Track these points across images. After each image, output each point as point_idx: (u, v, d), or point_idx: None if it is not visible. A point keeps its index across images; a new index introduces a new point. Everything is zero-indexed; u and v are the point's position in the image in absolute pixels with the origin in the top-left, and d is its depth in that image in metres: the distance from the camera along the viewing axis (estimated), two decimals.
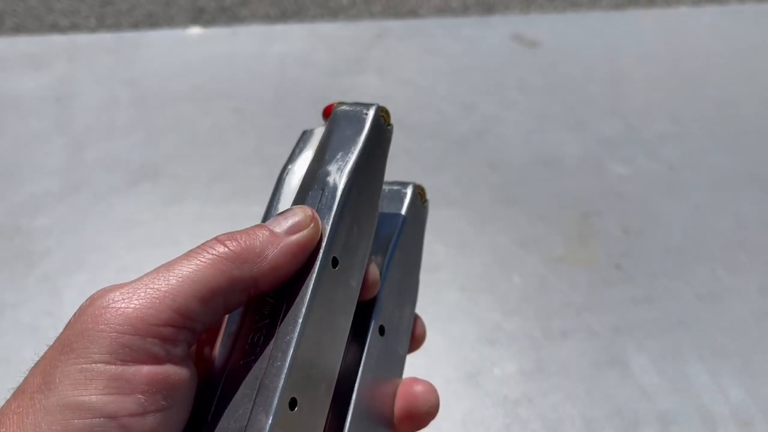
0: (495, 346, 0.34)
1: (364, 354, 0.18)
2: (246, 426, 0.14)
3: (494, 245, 0.40)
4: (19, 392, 0.14)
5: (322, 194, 0.17)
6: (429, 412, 0.20)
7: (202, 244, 0.16)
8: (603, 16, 0.68)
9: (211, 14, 1.29)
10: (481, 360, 0.33)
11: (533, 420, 0.31)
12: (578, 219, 0.42)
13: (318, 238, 0.16)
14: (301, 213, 0.16)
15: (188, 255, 0.16)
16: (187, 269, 0.15)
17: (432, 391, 0.20)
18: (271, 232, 0.16)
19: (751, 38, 0.63)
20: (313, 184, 0.17)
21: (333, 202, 0.16)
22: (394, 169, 0.45)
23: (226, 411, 0.15)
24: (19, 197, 0.43)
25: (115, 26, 1.16)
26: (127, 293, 0.14)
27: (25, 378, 0.15)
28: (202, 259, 0.15)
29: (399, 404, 0.20)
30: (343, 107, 0.20)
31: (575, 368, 0.33)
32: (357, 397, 0.17)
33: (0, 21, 1.13)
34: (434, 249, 0.40)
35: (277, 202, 0.18)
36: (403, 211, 0.21)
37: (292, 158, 0.20)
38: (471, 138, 0.49)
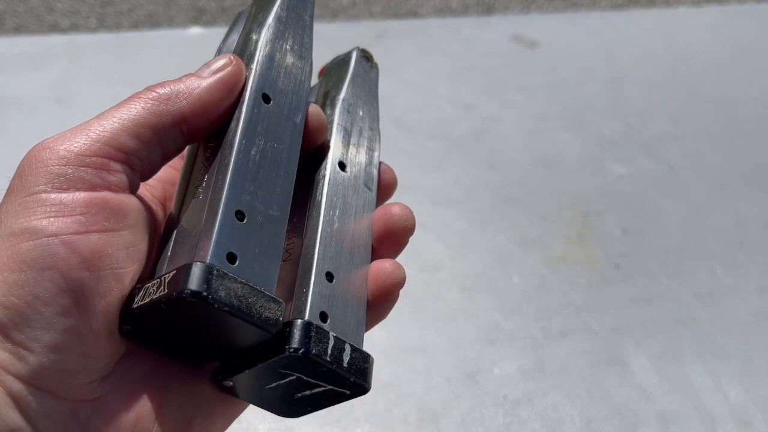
0: (495, 345, 0.34)
1: (325, 183, 0.19)
2: (197, 244, 0.15)
3: (494, 245, 0.40)
4: None
5: (246, 49, 0.18)
6: (406, 227, 0.21)
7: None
8: (602, 16, 0.68)
9: (211, 14, 1.29)
10: (480, 359, 0.33)
11: (533, 419, 0.31)
12: (578, 219, 0.42)
13: (241, 76, 0.17)
14: (224, 58, 0.17)
15: (121, 102, 0.17)
16: (117, 111, 0.16)
17: (407, 208, 0.21)
18: (197, 75, 0.17)
19: (750, 38, 0.63)
20: (243, 49, 0.18)
21: (256, 49, 0.18)
22: (395, 169, 0.45)
23: (181, 238, 0.16)
24: None
25: (116, 26, 1.16)
26: (61, 136, 0.16)
27: None
28: (132, 102, 0.17)
29: (376, 227, 0.20)
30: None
31: (575, 368, 0.33)
32: (323, 224, 0.18)
33: (1, 21, 1.14)
34: (434, 249, 0.40)
35: None
36: (350, 71, 0.22)
37: (225, 38, 0.21)
38: (471, 138, 0.50)
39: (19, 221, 0.14)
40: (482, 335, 0.35)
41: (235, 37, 0.20)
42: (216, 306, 0.14)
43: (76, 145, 0.15)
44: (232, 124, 0.17)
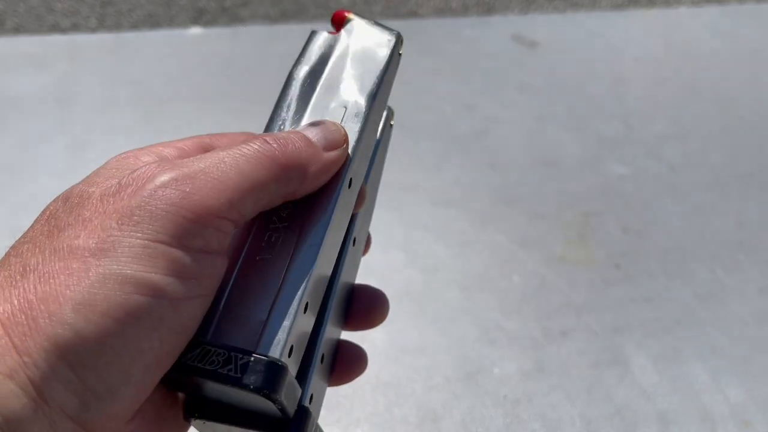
0: (495, 345, 0.34)
1: (343, 262, 0.19)
2: (267, 321, 0.14)
3: (494, 245, 0.40)
4: (63, 250, 0.14)
5: (345, 112, 0.18)
6: (383, 316, 0.21)
7: (240, 136, 0.17)
8: (603, 16, 0.68)
9: (211, 15, 1.29)
10: (480, 359, 0.33)
11: (533, 419, 0.31)
12: (578, 219, 0.42)
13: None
14: (337, 131, 0.17)
15: (231, 145, 0.16)
16: (248, 165, 0.15)
17: (383, 296, 0.21)
18: (311, 144, 0.16)
19: (750, 38, 0.63)
20: (334, 99, 0.18)
21: (357, 126, 0.17)
22: (395, 169, 0.45)
23: (242, 301, 0.15)
24: (20, 197, 0.43)
25: (116, 27, 1.16)
26: (186, 178, 0.14)
27: (63, 230, 0.14)
28: (248, 152, 0.15)
29: (355, 306, 0.21)
30: (363, 23, 0.20)
31: (575, 368, 0.33)
32: (335, 299, 0.18)
33: (1, 21, 1.14)
34: (434, 249, 0.40)
35: (289, 106, 0.19)
36: (378, 135, 0.22)
37: (302, 60, 0.20)
38: (471, 138, 0.50)
39: (140, 267, 0.13)
40: (482, 335, 0.35)
41: (319, 63, 0.19)
42: (277, 406, 0.14)
43: (210, 201, 0.14)
44: (322, 206, 0.16)
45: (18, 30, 1.09)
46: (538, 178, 0.46)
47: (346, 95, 0.18)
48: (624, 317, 0.36)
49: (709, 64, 0.59)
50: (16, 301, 0.13)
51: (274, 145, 0.16)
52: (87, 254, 0.13)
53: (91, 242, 0.14)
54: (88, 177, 0.16)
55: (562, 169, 0.47)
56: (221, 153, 0.15)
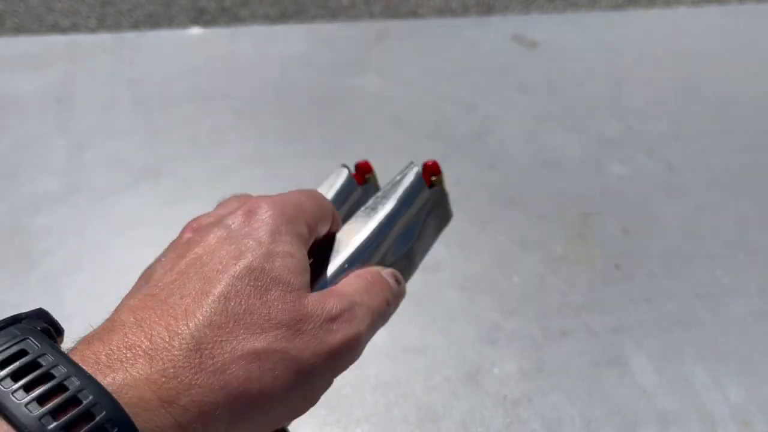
0: (495, 345, 0.34)
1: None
2: None
3: (494, 245, 0.40)
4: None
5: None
6: None
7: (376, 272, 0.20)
8: (602, 16, 0.68)
9: (211, 15, 1.29)
10: (480, 359, 0.33)
11: (533, 419, 0.31)
12: (578, 219, 0.42)
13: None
14: (396, 282, 0.21)
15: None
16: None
17: None
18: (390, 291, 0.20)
19: (750, 38, 0.63)
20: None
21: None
22: (394, 169, 0.45)
23: None
24: (20, 197, 0.43)
25: (116, 26, 1.16)
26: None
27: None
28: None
29: None
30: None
31: (575, 368, 0.33)
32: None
33: (1, 21, 1.14)
34: (434, 249, 0.40)
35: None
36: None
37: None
38: (471, 138, 0.50)
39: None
40: (482, 335, 0.35)
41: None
42: None
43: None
44: None
45: (18, 30, 1.09)
46: (538, 178, 0.46)
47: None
48: (624, 317, 0.36)
49: (709, 64, 0.59)
50: None
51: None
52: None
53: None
54: None
55: (562, 169, 0.47)
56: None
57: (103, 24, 1.14)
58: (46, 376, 0.13)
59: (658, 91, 0.55)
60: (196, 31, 0.64)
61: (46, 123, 0.50)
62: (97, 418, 0.12)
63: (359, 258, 0.20)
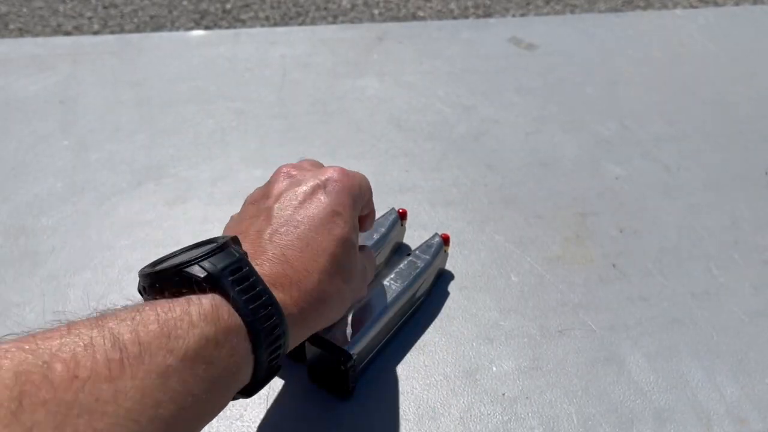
0: (493, 343, 0.35)
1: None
2: (355, 342, 0.30)
3: (492, 245, 0.41)
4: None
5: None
6: None
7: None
8: (599, 18, 0.69)
9: (213, 17, 1.30)
10: (478, 357, 0.34)
11: (530, 417, 0.31)
12: (575, 219, 0.43)
13: None
14: None
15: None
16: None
17: None
18: None
19: (746, 40, 0.63)
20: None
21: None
22: (395, 170, 0.46)
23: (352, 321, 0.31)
24: (24, 197, 0.44)
25: (119, 29, 1.17)
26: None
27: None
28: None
29: None
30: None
31: (572, 366, 0.34)
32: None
33: (5, 23, 1.14)
34: None
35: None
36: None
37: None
38: (469, 139, 0.50)
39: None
40: (480, 334, 0.35)
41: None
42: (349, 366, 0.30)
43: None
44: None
45: (22, 32, 1.10)
46: (536, 178, 0.46)
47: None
48: (620, 316, 0.36)
49: (705, 65, 0.59)
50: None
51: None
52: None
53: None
54: None
55: (560, 169, 0.47)
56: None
57: (106, 26, 1.14)
58: (251, 286, 0.22)
59: (654, 92, 0.56)
60: (198, 33, 0.65)
61: (50, 124, 0.51)
62: (270, 308, 0.23)
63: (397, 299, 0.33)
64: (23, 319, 0.35)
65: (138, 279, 0.23)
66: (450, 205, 0.44)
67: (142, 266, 0.23)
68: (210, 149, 0.49)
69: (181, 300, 0.20)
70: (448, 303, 0.37)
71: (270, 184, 0.29)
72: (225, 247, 0.23)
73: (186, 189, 0.45)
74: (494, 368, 0.33)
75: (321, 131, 0.50)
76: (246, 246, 0.25)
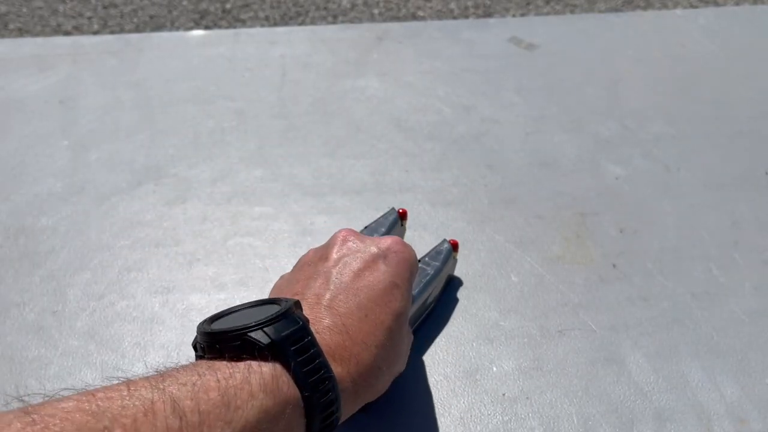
0: (493, 344, 0.35)
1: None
2: None
3: (492, 245, 0.41)
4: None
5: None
6: None
7: None
8: (600, 18, 0.69)
9: (213, 17, 1.30)
10: (479, 358, 0.34)
11: (531, 417, 0.31)
12: (575, 219, 0.43)
13: None
14: None
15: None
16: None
17: None
18: None
19: (746, 40, 0.63)
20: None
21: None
22: (395, 170, 0.46)
23: None
24: (24, 197, 0.44)
25: (119, 29, 1.17)
26: None
27: None
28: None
29: None
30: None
31: (572, 366, 0.34)
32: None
33: (4, 23, 1.14)
34: None
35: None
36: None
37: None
38: (469, 139, 0.50)
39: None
40: (481, 334, 0.35)
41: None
42: None
43: None
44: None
45: (22, 32, 1.10)
46: (536, 178, 0.46)
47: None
48: (621, 316, 0.36)
49: (705, 65, 0.59)
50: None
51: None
52: None
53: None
54: None
55: (560, 169, 0.47)
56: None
57: (106, 26, 1.14)
58: (311, 358, 0.22)
59: (654, 92, 0.56)
60: (198, 33, 0.65)
61: (50, 124, 0.51)
62: (327, 383, 0.22)
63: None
64: (23, 320, 0.35)
65: (195, 335, 0.23)
66: (450, 205, 0.44)
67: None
68: (210, 149, 0.48)
69: (242, 366, 0.20)
70: (448, 303, 0.37)
71: (328, 247, 0.28)
72: (289, 313, 0.22)
73: (185, 189, 0.45)
74: (494, 368, 0.33)
75: (321, 131, 0.50)
76: (305, 310, 0.24)
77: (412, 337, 0.30)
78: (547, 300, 0.37)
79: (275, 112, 0.52)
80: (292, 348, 0.21)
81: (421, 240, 0.41)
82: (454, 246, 0.36)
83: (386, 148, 0.49)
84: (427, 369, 0.33)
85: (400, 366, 0.28)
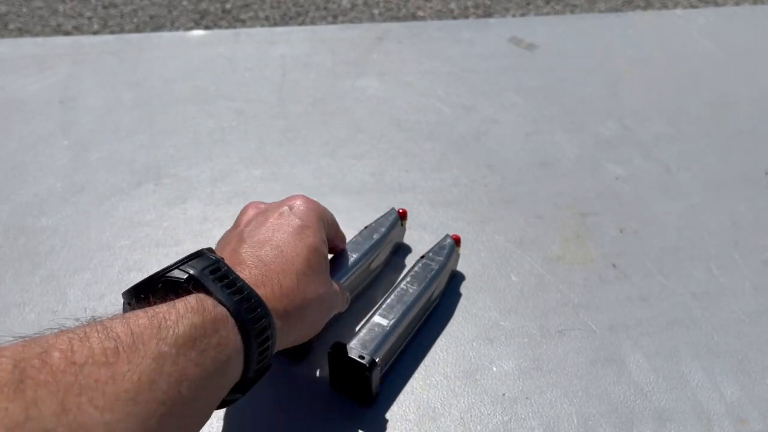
0: (493, 344, 0.35)
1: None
2: (376, 350, 0.30)
3: (492, 245, 0.41)
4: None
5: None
6: None
7: None
8: (599, 18, 0.69)
9: (213, 17, 1.30)
10: (479, 358, 0.34)
11: (531, 417, 0.31)
12: (575, 219, 0.43)
13: None
14: None
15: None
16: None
17: None
18: None
19: (746, 39, 0.63)
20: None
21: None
22: (395, 170, 0.46)
23: (369, 330, 0.31)
24: (24, 197, 0.44)
25: (119, 29, 1.17)
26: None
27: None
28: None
29: None
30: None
31: (572, 366, 0.34)
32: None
33: (4, 23, 1.14)
34: None
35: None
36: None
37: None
38: (469, 139, 0.50)
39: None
40: (481, 334, 0.35)
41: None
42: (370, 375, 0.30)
43: None
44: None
45: (21, 32, 1.10)
46: (536, 178, 0.46)
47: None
48: (621, 316, 0.36)
49: (705, 65, 0.59)
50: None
51: None
52: None
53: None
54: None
55: (560, 169, 0.47)
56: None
57: (106, 26, 1.14)
58: (232, 283, 0.23)
59: (654, 92, 0.56)
60: (198, 33, 0.65)
61: (50, 124, 0.51)
62: (253, 300, 0.23)
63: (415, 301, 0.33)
64: (23, 319, 0.35)
65: (123, 299, 0.24)
66: (450, 205, 0.44)
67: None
68: (210, 149, 0.49)
69: (167, 301, 0.22)
70: (448, 303, 0.37)
71: (238, 217, 0.31)
72: (202, 252, 0.24)
73: (185, 189, 0.45)
74: (494, 368, 0.33)
75: (321, 131, 0.50)
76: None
77: (342, 287, 0.31)
78: (547, 300, 0.37)
79: (275, 112, 0.52)
80: (212, 276, 0.23)
81: (421, 240, 0.41)
82: (456, 241, 0.37)
83: (386, 148, 0.49)
84: (427, 369, 0.33)
85: (332, 301, 0.29)
